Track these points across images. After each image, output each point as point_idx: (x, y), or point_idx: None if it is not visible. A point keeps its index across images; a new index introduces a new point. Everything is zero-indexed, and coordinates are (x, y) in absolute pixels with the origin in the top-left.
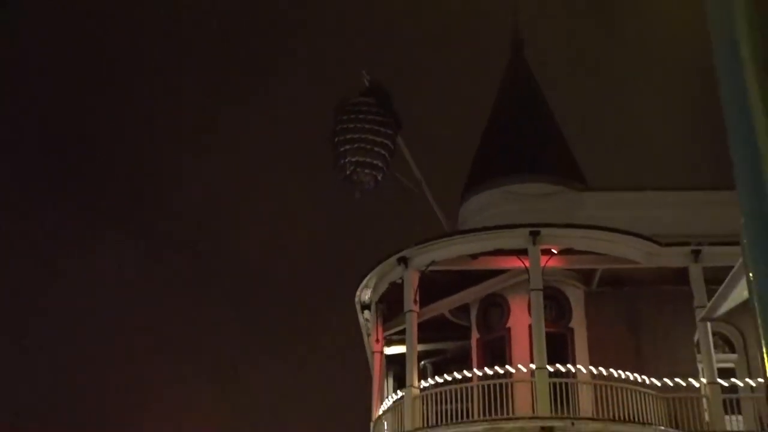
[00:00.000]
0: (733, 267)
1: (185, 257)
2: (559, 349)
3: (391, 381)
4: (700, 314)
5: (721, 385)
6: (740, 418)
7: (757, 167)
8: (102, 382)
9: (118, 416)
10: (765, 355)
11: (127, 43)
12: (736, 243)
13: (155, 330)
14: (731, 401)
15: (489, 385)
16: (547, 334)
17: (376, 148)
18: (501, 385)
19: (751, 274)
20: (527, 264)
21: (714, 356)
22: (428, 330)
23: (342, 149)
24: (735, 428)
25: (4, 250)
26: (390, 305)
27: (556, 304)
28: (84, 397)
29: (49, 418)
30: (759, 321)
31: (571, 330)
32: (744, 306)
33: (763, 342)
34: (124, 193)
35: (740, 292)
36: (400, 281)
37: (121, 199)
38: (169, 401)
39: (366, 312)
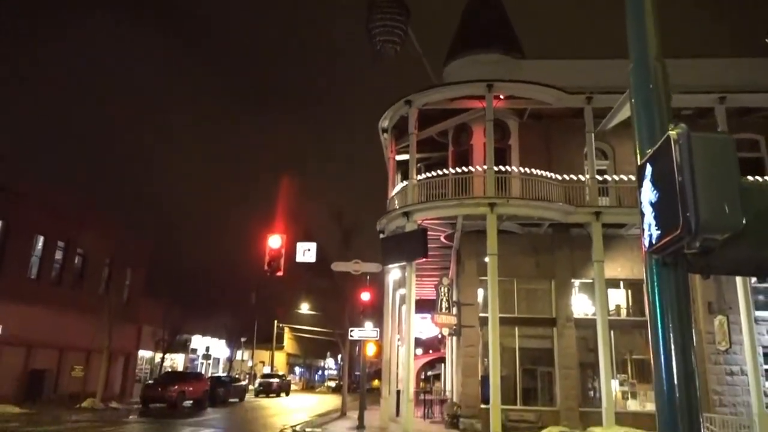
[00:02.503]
0: (611, 108)
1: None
2: (501, 156)
3: (399, 176)
4: (588, 137)
5: (598, 179)
6: (607, 199)
7: (642, 23)
8: None
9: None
10: (636, 148)
11: None
12: (613, 92)
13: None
14: (603, 188)
15: (458, 178)
16: (494, 148)
17: (395, 30)
18: (466, 178)
19: (632, 100)
20: (484, 105)
21: (594, 161)
22: (422, 144)
23: (374, 32)
24: (604, 204)
25: None
26: (400, 129)
27: (500, 130)
28: None
29: None
30: (634, 126)
31: (509, 146)
32: (622, 124)
33: (636, 140)
34: None
35: (624, 113)
36: (406, 115)
37: None
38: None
39: (385, 134)
